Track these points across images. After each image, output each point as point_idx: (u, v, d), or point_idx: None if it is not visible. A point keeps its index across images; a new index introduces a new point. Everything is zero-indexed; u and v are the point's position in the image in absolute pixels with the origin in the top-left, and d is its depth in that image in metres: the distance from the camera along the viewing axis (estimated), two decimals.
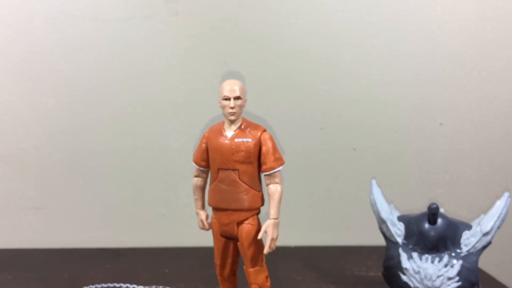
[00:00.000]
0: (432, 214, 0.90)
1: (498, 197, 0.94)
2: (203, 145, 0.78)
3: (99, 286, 0.97)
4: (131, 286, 0.96)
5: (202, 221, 0.81)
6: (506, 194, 0.93)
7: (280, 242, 0.75)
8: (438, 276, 0.89)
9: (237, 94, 0.75)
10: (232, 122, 0.76)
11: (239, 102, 0.75)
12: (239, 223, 0.76)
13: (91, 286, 0.97)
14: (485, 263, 0.95)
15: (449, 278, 0.88)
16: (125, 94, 1.29)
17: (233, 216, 0.75)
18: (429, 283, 0.89)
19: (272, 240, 0.74)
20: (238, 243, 0.76)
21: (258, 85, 1.28)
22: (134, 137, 1.31)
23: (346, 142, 1.33)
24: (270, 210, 0.75)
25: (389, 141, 1.33)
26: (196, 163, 0.80)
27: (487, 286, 1.00)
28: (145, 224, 1.35)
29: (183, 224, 1.33)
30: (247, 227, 0.75)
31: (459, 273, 0.89)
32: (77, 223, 1.33)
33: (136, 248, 1.32)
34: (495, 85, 1.32)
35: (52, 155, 1.30)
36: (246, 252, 0.75)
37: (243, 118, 0.77)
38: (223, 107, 0.75)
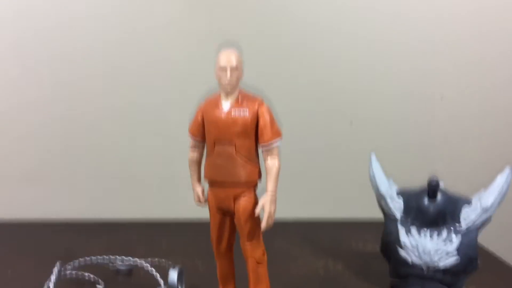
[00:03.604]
0: (432, 189, 0.89)
1: (499, 172, 0.92)
2: (199, 117, 0.76)
3: (95, 258, 0.96)
4: (127, 258, 0.95)
5: (198, 195, 0.79)
6: (508, 169, 0.91)
7: (278, 216, 0.74)
8: (437, 251, 0.88)
9: (234, 64, 0.72)
10: (228, 93, 0.74)
11: (235, 73, 0.73)
12: (236, 197, 0.74)
13: (86, 258, 0.96)
14: (483, 238, 0.94)
15: (448, 253, 0.88)
16: (121, 64, 1.27)
17: (229, 190, 0.74)
18: (427, 258, 0.88)
19: (269, 215, 0.73)
20: (235, 218, 0.75)
21: (256, 55, 1.25)
22: (129, 108, 1.29)
23: (344, 114, 1.32)
24: (268, 184, 0.73)
25: (389, 114, 1.32)
26: (192, 136, 0.78)
27: (485, 261, 0.99)
28: (142, 196, 1.34)
29: (180, 197, 1.32)
30: (243, 202, 0.74)
31: (457, 248, 0.88)
32: (73, 195, 1.32)
33: (132, 221, 1.32)
34: (498, 59, 1.29)
35: (47, 126, 1.28)
36: (243, 227, 0.74)
37: (240, 89, 0.75)
38: (219, 78, 0.73)
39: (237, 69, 0.73)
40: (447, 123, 1.31)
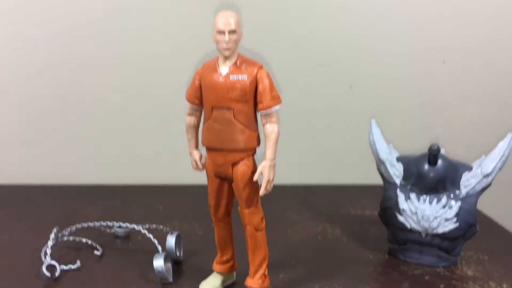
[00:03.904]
0: (433, 155, 0.88)
1: (500, 138, 0.91)
2: (196, 82, 0.74)
3: (92, 224, 0.96)
4: (124, 224, 0.94)
5: (195, 161, 0.78)
6: (510, 135, 0.90)
7: (276, 181, 0.73)
8: (436, 217, 0.88)
9: (232, 28, 0.70)
10: (226, 58, 0.72)
11: (234, 36, 0.70)
12: (234, 164, 0.73)
13: (83, 224, 0.96)
14: (481, 203, 0.94)
15: (447, 219, 0.87)
16: (117, 27, 1.24)
17: (227, 156, 0.73)
18: (426, 224, 0.88)
19: (268, 182, 0.72)
20: (233, 184, 0.74)
21: (255, 18, 1.22)
22: (126, 73, 1.27)
23: (344, 79, 1.30)
24: (266, 150, 0.72)
25: (389, 79, 1.30)
26: (189, 100, 0.76)
27: (484, 226, 1.00)
28: (139, 161, 1.33)
29: (177, 161, 1.31)
30: (242, 168, 0.73)
31: (457, 214, 0.87)
32: (70, 160, 1.31)
33: (129, 185, 1.31)
34: (501, 23, 1.26)
35: (42, 89, 1.26)
36: (241, 194, 0.73)
37: (238, 53, 0.73)
38: (217, 41, 0.71)
39: (236, 32, 0.70)
40: (449, 88, 1.29)
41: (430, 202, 0.89)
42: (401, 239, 0.93)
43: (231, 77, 0.71)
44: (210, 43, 0.74)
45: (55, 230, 0.90)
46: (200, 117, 0.77)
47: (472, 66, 1.28)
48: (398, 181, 0.93)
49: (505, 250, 0.99)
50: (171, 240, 0.88)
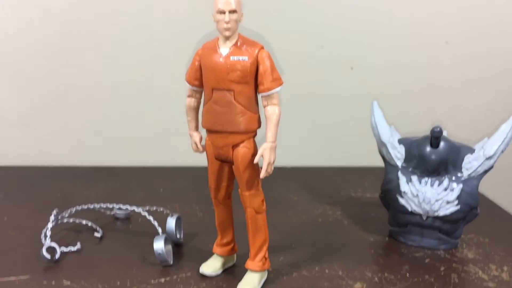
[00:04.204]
0: (435, 137, 0.87)
1: (502, 120, 0.91)
2: (196, 63, 0.73)
3: (92, 206, 0.96)
4: (124, 207, 0.94)
5: (195, 143, 0.77)
6: None
7: (277, 163, 0.73)
8: (437, 200, 0.87)
9: (233, 7, 0.68)
10: (227, 38, 0.70)
11: (234, 16, 0.69)
12: (234, 146, 0.72)
13: (83, 206, 0.95)
14: (483, 186, 0.94)
15: (448, 202, 0.87)
16: (115, 8, 1.22)
17: (228, 139, 0.72)
18: (427, 207, 0.88)
19: (269, 164, 0.71)
20: (233, 167, 0.73)
21: None
22: (125, 53, 1.26)
23: (346, 60, 1.28)
24: (267, 133, 0.71)
25: (391, 60, 1.28)
26: (189, 82, 0.75)
27: (485, 209, 0.99)
28: (139, 142, 1.32)
29: (177, 143, 1.30)
30: (242, 150, 0.72)
31: (458, 197, 0.87)
32: (68, 141, 1.31)
33: (129, 167, 1.31)
34: (507, 2, 1.24)
35: (41, 70, 1.25)
36: (242, 176, 0.73)
37: (239, 34, 0.72)
38: (217, 21, 0.69)
39: (236, 12, 0.69)
40: (452, 69, 1.28)
41: (432, 185, 0.88)
42: (401, 222, 0.93)
43: (231, 58, 0.70)
44: (210, 23, 0.72)
45: (55, 212, 0.90)
46: (200, 99, 0.77)
47: (476, 47, 1.27)
48: (399, 163, 0.92)
49: (506, 233, 0.99)
50: (171, 222, 0.88)
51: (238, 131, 0.72)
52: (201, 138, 0.78)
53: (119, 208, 0.98)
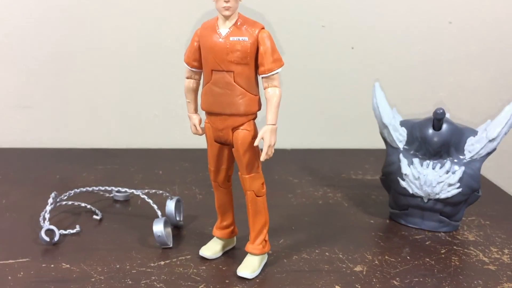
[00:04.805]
0: (438, 119, 0.86)
1: (506, 102, 0.90)
2: (195, 43, 0.72)
3: (91, 189, 0.95)
4: (123, 190, 0.93)
5: (195, 125, 0.76)
6: None
7: (277, 145, 0.72)
8: (439, 183, 0.86)
9: None
10: (226, 18, 0.69)
11: None
12: (234, 129, 0.71)
13: (82, 188, 0.94)
14: (485, 169, 0.93)
15: (450, 185, 0.86)
16: None
17: (227, 121, 0.71)
18: (428, 189, 0.87)
19: (269, 147, 0.70)
20: (233, 150, 0.72)
21: None
22: (123, 34, 1.24)
23: (348, 41, 1.26)
24: (268, 115, 0.70)
25: (394, 40, 1.26)
26: (188, 63, 0.74)
27: (486, 191, 0.99)
28: (138, 124, 1.31)
29: (176, 125, 1.29)
30: (242, 133, 0.71)
31: (460, 180, 0.86)
32: (67, 123, 1.29)
33: (128, 149, 1.30)
34: None
35: (40, 52, 1.23)
36: (242, 159, 0.72)
37: (239, 14, 0.70)
38: (217, 1, 0.68)
39: None
40: (455, 50, 1.26)
41: (433, 167, 0.87)
42: (402, 204, 0.92)
43: (231, 38, 0.69)
44: (209, 2, 0.71)
45: (53, 194, 0.89)
46: (199, 80, 0.75)
47: (480, 28, 1.25)
48: (401, 145, 0.91)
49: (507, 216, 0.98)
50: (170, 205, 0.87)
51: (238, 113, 0.70)
52: (200, 120, 0.76)
53: (118, 191, 0.97)
